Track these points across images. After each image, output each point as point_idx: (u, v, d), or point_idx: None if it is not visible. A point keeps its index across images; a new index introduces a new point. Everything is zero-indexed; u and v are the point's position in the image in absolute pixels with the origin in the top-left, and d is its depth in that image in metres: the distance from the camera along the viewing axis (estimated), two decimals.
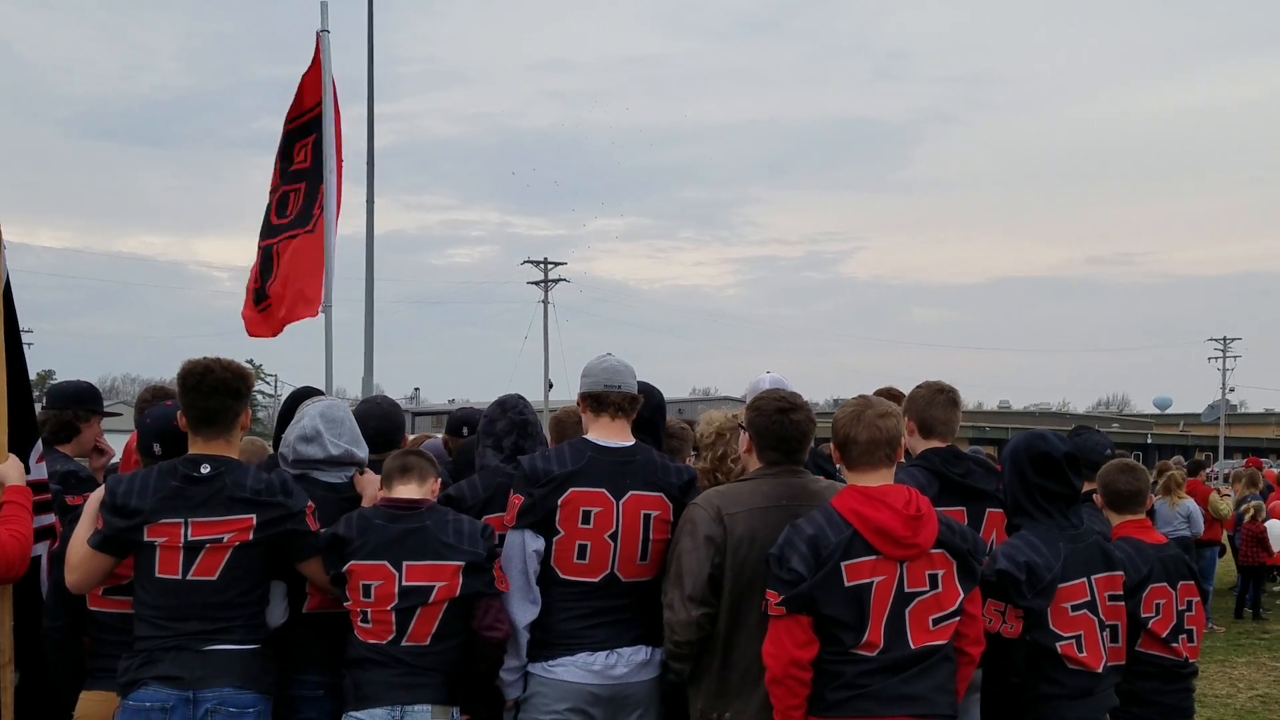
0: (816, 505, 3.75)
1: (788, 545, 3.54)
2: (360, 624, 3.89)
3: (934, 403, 4.57)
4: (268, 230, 8.21)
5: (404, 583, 3.86)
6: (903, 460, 3.96)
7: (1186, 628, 4.50)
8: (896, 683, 3.54)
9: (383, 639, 3.86)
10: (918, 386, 4.69)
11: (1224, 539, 15.45)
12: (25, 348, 4.43)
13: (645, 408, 4.41)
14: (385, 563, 3.86)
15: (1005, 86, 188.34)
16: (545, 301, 50.71)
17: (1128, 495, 4.65)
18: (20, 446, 4.26)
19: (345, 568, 3.86)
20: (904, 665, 3.55)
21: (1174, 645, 4.44)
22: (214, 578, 3.76)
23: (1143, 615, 4.36)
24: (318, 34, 7.82)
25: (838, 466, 4.18)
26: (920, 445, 4.54)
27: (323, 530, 3.95)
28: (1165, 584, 4.43)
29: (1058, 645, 3.93)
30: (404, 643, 3.86)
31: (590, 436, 4.20)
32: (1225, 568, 16.48)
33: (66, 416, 5.14)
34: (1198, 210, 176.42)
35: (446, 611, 3.90)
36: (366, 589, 3.86)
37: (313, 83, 8.19)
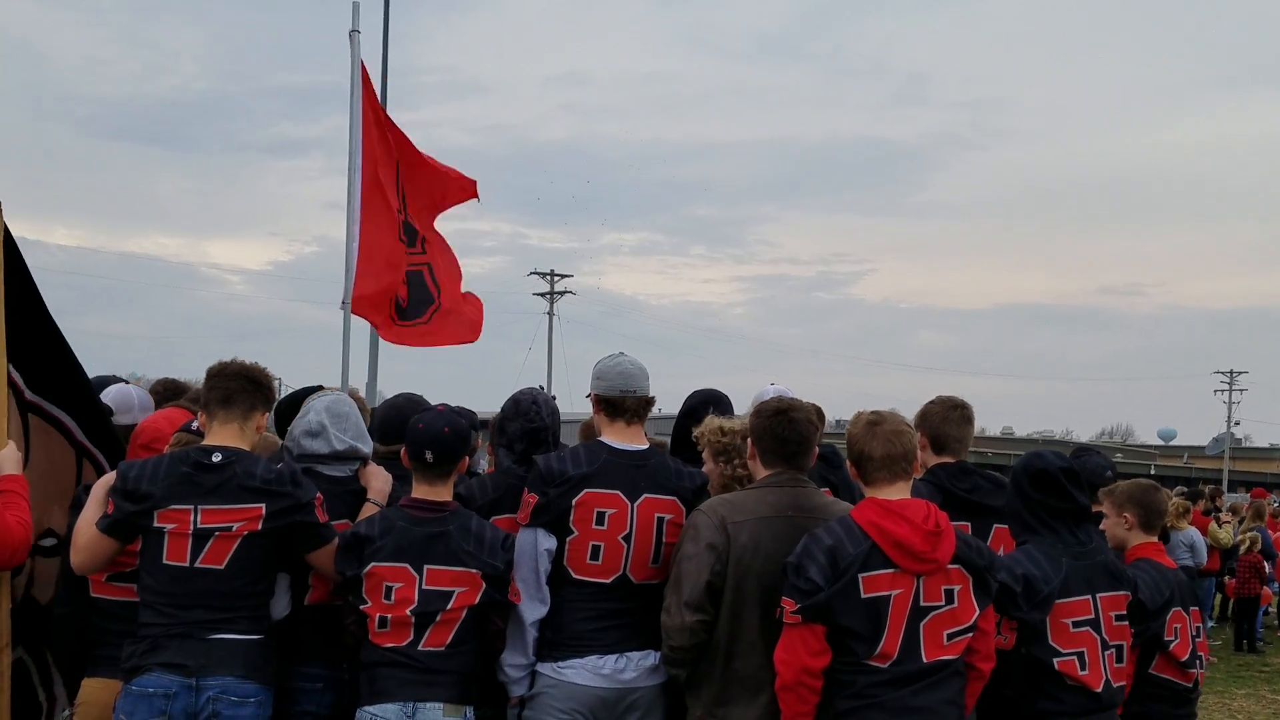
0: (820, 519, 3.73)
1: (806, 555, 3.53)
2: (377, 629, 3.82)
3: (948, 419, 4.55)
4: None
5: (424, 586, 3.81)
6: (918, 475, 3.93)
7: (1198, 654, 4.45)
8: (906, 694, 3.53)
9: (400, 643, 3.81)
10: (931, 402, 4.65)
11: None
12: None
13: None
14: (406, 565, 3.81)
15: (1023, 114, 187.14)
16: (550, 313, 50.58)
17: (1160, 514, 4.62)
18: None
19: (366, 569, 3.80)
20: (915, 678, 3.54)
21: (1190, 670, 4.38)
22: (221, 566, 3.75)
23: (1165, 638, 4.30)
24: (350, 34, 7.66)
25: (855, 483, 4.14)
26: (931, 460, 4.51)
27: (332, 522, 3.94)
28: (1181, 609, 4.38)
29: (1055, 661, 3.89)
30: (421, 647, 3.81)
31: (605, 439, 4.18)
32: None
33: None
34: (1209, 243, 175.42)
35: (465, 619, 3.85)
36: (388, 590, 3.80)
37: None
